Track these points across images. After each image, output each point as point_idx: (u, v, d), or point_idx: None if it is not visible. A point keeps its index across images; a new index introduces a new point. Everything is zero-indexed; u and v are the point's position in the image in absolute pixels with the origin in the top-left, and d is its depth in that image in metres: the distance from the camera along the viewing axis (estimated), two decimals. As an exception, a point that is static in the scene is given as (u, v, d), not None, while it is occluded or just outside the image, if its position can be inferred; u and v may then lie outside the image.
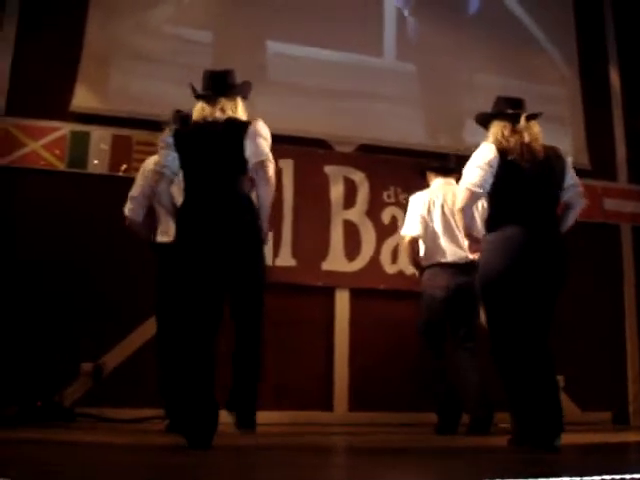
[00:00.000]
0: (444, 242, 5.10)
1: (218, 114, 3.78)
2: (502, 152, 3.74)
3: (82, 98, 5.86)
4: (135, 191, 4.75)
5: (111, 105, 5.92)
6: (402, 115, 6.57)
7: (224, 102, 3.81)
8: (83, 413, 5.26)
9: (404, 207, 6.13)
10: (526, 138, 3.78)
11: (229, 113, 3.79)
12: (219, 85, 3.88)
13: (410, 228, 5.23)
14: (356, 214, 6.27)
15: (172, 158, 3.79)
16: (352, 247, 6.20)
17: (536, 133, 3.83)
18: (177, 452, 3.31)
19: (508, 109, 3.89)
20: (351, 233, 6.22)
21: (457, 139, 6.73)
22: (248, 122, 3.78)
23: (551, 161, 3.80)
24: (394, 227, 6.24)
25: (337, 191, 6.26)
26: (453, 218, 5.05)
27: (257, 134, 3.73)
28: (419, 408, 5.69)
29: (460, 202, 3.87)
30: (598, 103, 7.24)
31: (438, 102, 6.89)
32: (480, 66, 6.95)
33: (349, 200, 6.29)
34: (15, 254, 5.49)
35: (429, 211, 5.17)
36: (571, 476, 2.17)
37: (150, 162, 4.56)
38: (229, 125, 3.76)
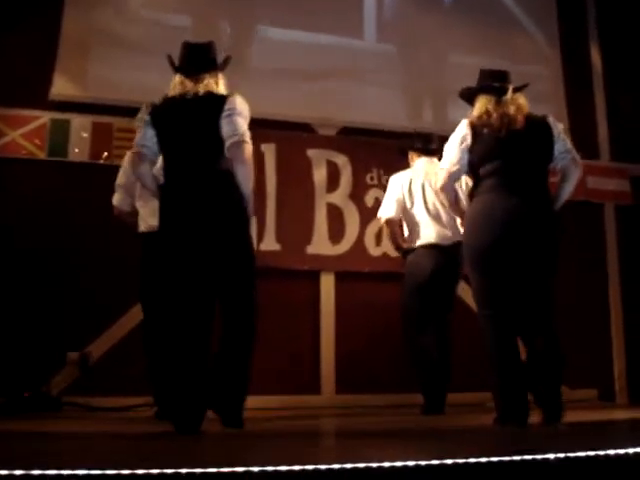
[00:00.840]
0: (427, 223, 5.10)
1: (199, 89, 3.66)
2: (478, 126, 3.76)
3: (61, 86, 5.80)
4: (120, 179, 4.71)
5: (91, 92, 5.88)
6: (384, 97, 6.55)
7: (206, 77, 3.70)
8: (70, 402, 5.25)
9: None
10: (511, 110, 3.77)
11: (210, 88, 3.67)
12: (200, 59, 3.76)
13: (386, 210, 5.26)
14: (339, 197, 6.27)
15: (150, 136, 3.66)
16: (336, 230, 6.20)
17: (521, 104, 3.83)
18: (165, 438, 3.31)
19: (494, 82, 3.88)
20: (335, 216, 6.22)
21: (440, 120, 6.73)
22: (225, 97, 3.65)
23: (535, 130, 3.79)
24: (378, 210, 6.22)
25: (320, 174, 6.25)
26: (437, 198, 5.02)
27: (233, 111, 3.59)
28: (405, 389, 5.70)
29: (439, 181, 3.91)
30: (580, 82, 7.25)
31: (420, 83, 6.88)
32: (461, 47, 6.93)
33: (332, 183, 6.28)
34: (-2, 245, 5.46)
35: (410, 192, 5.17)
36: (557, 453, 2.18)
37: None
38: (206, 100, 3.63)
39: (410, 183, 5.19)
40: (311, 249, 6.10)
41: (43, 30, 5.89)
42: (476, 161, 3.79)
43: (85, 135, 5.79)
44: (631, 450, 2.25)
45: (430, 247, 5.06)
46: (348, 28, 6.71)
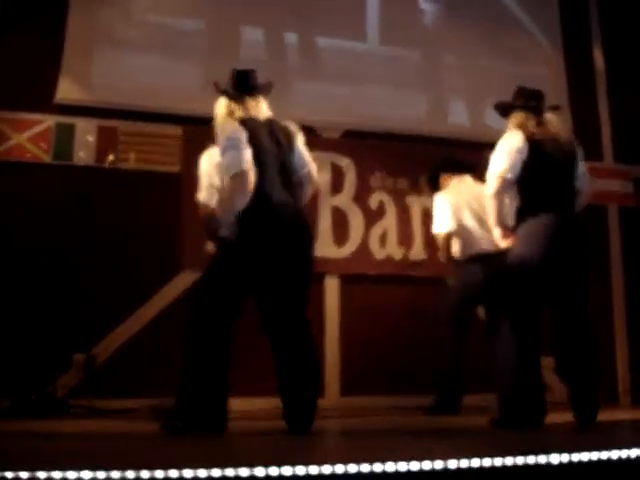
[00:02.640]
0: (479, 234, 5.17)
1: (257, 113, 3.81)
2: (532, 142, 3.87)
3: (66, 90, 5.82)
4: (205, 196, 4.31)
5: (95, 96, 5.89)
6: (387, 100, 6.55)
7: (248, 100, 3.83)
8: (76, 404, 5.26)
9: (391, 192, 6.18)
10: (551, 130, 3.95)
11: (261, 113, 3.83)
12: (256, 83, 3.93)
13: (441, 225, 5.31)
14: (343, 200, 6.27)
15: (249, 155, 3.60)
16: (340, 233, 6.20)
17: (558, 124, 4.02)
18: (170, 440, 3.33)
19: (530, 101, 4.03)
20: (339, 219, 6.23)
21: (442, 122, 6.74)
22: (293, 126, 3.93)
23: (571, 152, 3.99)
24: (382, 212, 6.25)
25: (324, 177, 6.23)
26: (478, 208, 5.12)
27: (303, 141, 3.96)
28: (410, 391, 5.72)
29: (491, 189, 3.95)
30: (583, 84, 7.24)
31: (422, 86, 6.88)
32: (464, 49, 6.93)
33: (336, 186, 6.28)
34: (4, 247, 5.46)
35: (457, 207, 5.26)
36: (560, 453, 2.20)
37: (210, 159, 4.19)
38: (282, 127, 3.86)
39: (455, 200, 5.27)
40: (315, 252, 6.09)
41: (48, 34, 5.90)
42: (530, 176, 3.88)
43: (90, 139, 5.81)
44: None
45: (483, 257, 5.10)
46: (351, 31, 6.72)
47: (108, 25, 6.07)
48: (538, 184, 3.88)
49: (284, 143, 3.80)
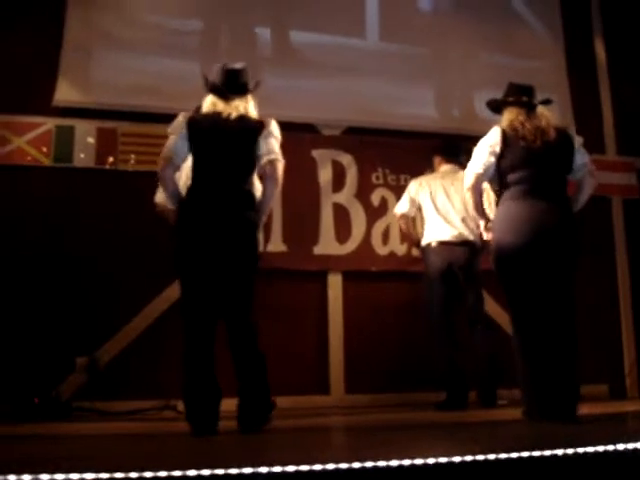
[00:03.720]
0: (440, 222, 5.40)
1: (231, 111, 3.83)
2: (514, 136, 3.95)
3: (65, 92, 5.81)
4: None
5: (95, 98, 5.87)
6: (388, 96, 6.52)
7: (237, 101, 3.87)
8: (80, 407, 5.25)
9: (393, 188, 6.18)
10: (542, 123, 3.99)
11: (241, 110, 3.85)
12: (233, 83, 3.92)
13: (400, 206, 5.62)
14: (345, 197, 6.26)
15: (182, 146, 3.81)
16: (343, 230, 6.19)
17: (549, 117, 4.05)
18: (173, 441, 3.32)
19: (522, 97, 4.09)
20: (341, 216, 6.21)
21: (444, 117, 6.73)
22: (262, 122, 3.88)
23: (561, 142, 3.99)
24: (384, 209, 6.24)
25: (325, 174, 6.24)
26: (450, 200, 5.42)
27: (270, 134, 3.86)
28: (415, 388, 5.72)
29: (467, 182, 4.09)
30: (584, 76, 7.22)
31: (424, 81, 6.86)
32: (464, 43, 6.92)
33: (338, 183, 6.27)
34: (6, 251, 5.46)
35: (430, 193, 5.50)
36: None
37: None
38: (244, 123, 3.84)
39: (428, 185, 5.51)
40: (318, 249, 6.10)
41: (46, 36, 5.89)
42: (505, 168, 3.95)
43: (90, 140, 5.80)
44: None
45: (441, 244, 5.35)
46: (350, 27, 6.70)
47: (106, 26, 6.05)
48: (514, 175, 3.92)
49: (242, 139, 3.82)
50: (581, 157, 4.05)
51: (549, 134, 3.95)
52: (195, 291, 3.70)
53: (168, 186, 3.87)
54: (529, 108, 4.05)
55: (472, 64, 6.93)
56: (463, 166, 5.33)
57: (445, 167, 5.64)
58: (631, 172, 7.09)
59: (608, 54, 7.34)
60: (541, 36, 7.24)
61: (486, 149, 3.99)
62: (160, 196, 4.81)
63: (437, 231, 5.38)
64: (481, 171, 3.99)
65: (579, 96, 7.11)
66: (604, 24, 7.43)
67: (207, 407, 3.57)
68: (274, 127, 3.90)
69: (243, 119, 3.83)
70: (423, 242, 5.47)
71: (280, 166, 3.86)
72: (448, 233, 5.34)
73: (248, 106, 3.90)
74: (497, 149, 3.96)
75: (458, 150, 5.63)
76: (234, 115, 3.81)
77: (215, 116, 3.84)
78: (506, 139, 3.96)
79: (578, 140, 4.07)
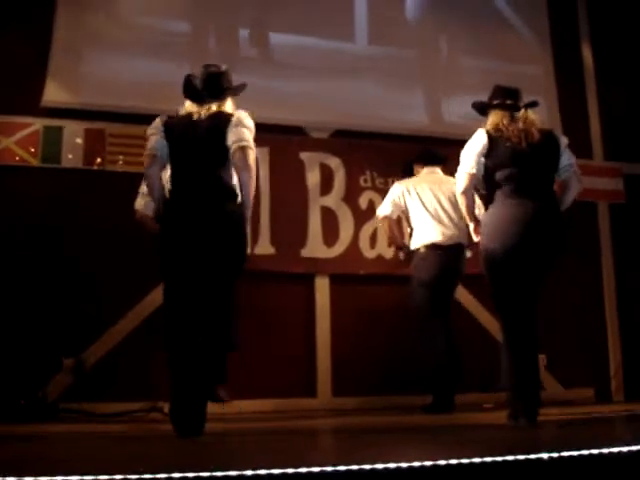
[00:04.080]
0: (430, 224, 5.39)
1: (203, 111, 3.87)
2: (499, 137, 4.01)
3: (53, 92, 5.80)
4: (144, 186, 4.74)
5: (83, 98, 5.86)
6: (376, 99, 6.54)
7: (212, 104, 3.88)
8: (67, 408, 5.23)
9: (381, 191, 6.19)
10: (526, 125, 4.05)
11: (213, 109, 3.87)
12: (211, 87, 3.93)
13: (383, 208, 5.61)
14: (333, 200, 6.27)
15: (162, 144, 3.85)
16: (330, 233, 6.20)
17: (533, 119, 4.12)
18: (158, 442, 3.32)
19: (507, 100, 4.14)
20: (329, 219, 6.22)
21: (433, 121, 6.76)
22: (231, 114, 3.87)
23: (546, 143, 4.05)
24: (372, 212, 6.23)
25: (313, 177, 6.25)
26: (440, 202, 5.43)
27: (239, 123, 3.81)
28: (402, 391, 5.72)
29: (459, 186, 4.13)
30: (571, 80, 7.25)
31: (412, 85, 6.88)
32: (452, 47, 6.97)
33: (326, 186, 6.28)
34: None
35: (414, 195, 5.48)
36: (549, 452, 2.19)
37: None
38: (214, 117, 3.85)
39: (415, 188, 5.49)
40: (305, 252, 6.10)
41: (34, 36, 5.87)
42: (492, 167, 4.01)
43: (79, 141, 5.78)
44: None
45: (433, 247, 5.34)
46: (339, 31, 6.72)
47: (95, 27, 6.04)
48: (501, 174, 3.98)
49: (213, 134, 3.82)
50: (567, 158, 4.11)
51: (533, 135, 4.01)
52: (179, 288, 3.74)
53: (154, 184, 3.87)
54: (514, 111, 4.10)
55: (460, 68, 6.95)
56: (443, 170, 5.56)
57: (425, 170, 5.64)
58: (618, 177, 7.12)
59: (595, 59, 7.38)
60: (529, 41, 7.27)
61: (473, 150, 4.04)
62: (140, 202, 4.87)
63: (428, 233, 5.36)
64: (473, 171, 4.03)
65: (566, 101, 7.14)
66: (591, 29, 7.46)
67: (191, 408, 3.54)
68: (244, 116, 3.86)
69: (214, 115, 3.85)
70: (413, 246, 5.46)
71: (251, 153, 3.79)
72: (440, 234, 5.33)
73: (224, 106, 3.91)
74: (483, 150, 4.01)
75: (436, 157, 5.67)
76: (204, 114, 3.85)
77: (187, 117, 3.88)
78: (491, 140, 4.01)
79: (563, 141, 4.13)
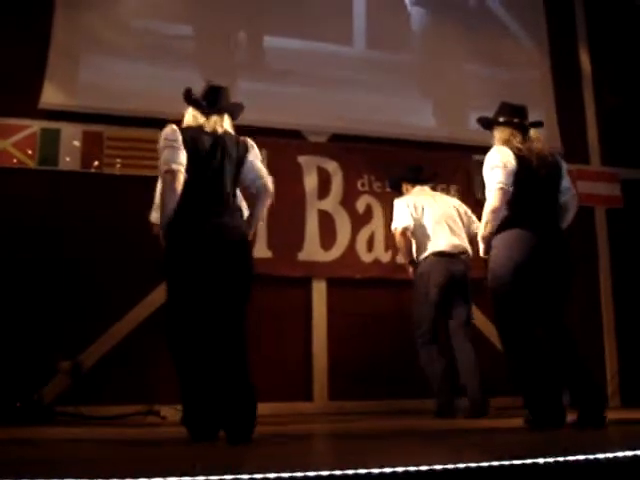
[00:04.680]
0: (437, 234, 5.40)
1: (215, 127, 3.81)
2: (519, 157, 3.97)
3: (51, 95, 5.80)
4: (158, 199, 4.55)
5: (81, 101, 5.87)
6: (374, 103, 6.55)
7: (215, 117, 3.83)
8: (63, 411, 5.22)
9: (378, 195, 6.19)
10: (537, 146, 4.05)
11: (224, 126, 3.85)
12: (214, 100, 3.90)
13: (399, 221, 5.48)
14: (331, 204, 6.27)
15: (184, 157, 3.64)
16: (328, 237, 6.20)
17: (542, 141, 4.13)
18: (155, 446, 3.31)
19: (514, 117, 4.14)
20: (326, 223, 6.22)
21: (429, 126, 6.76)
22: (248, 141, 3.89)
23: (553, 166, 4.07)
24: (369, 216, 6.25)
25: (311, 181, 6.25)
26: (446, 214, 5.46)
27: (257, 155, 3.91)
28: (399, 395, 5.72)
29: (494, 202, 3.97)
30: (569, 85, 7.27)
31: (409, 90, 6.89)
32: (451, 53, 6.97)
33: (323, 190, 6.28)
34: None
35: (417, 209, 5.46)
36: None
37: None
38: (234, 141, 3.82)
39: (414, 202, 5.47)
40: (302, 256, 6.11)
41: (33, 38, 5.88)
42: (514, 189, 3.96)
43: (76, 144, 5.79)
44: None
45: (440, 255, 5.33)
46: (337, 35, 6.73)
47: (93, 30, 6.05)
48: (522, 199, 3.96)
49: (234, 156, 3.78)
50: (567, 181, 4.15)
51: (547, 159, 4.03)
52: (191, 301, 3.62)
53: (175, 202, 3.64)
54: (522, 129, 4.10)
55: (458, 74, 6.96)
56: (431, 187, 5.64)
57: (416, 189, 5.63)
58: (615, 183, 7.13)
59: (593, 65, 7.39)
60: (526, 46, 7.29)
61: (504, 166, 3.94)
62: (155, 216, 4.69)
63: (437, 243, 5.35)
64: (507, 187, 3.93)
65: (564, 107, 7.15)
66: (589, 34, 7.48)
67: (206, 413, 3.56)
68: (257, 148, 3.95)
69: (232, 136, 3.83)
70: (421, 256, 5.40)
71: (272, 186, 3.92)
72: (448, 244, 5.34)
73: (225, 122, 3.88)
74: (513, 168, 3.93)
75: (420, 174, 5.68)
76: (220, 130, 3.80)
77: (200, 130, 3.78)
78: (518, 160, 3.95)
79: (564, 165, 4.17)
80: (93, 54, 6.01)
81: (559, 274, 3.97)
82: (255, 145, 3.93)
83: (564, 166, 4.17)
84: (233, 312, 3.67)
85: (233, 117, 3.96)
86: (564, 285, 4.03)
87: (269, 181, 3.89)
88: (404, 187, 5.71)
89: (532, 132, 4.13)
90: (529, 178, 3.95)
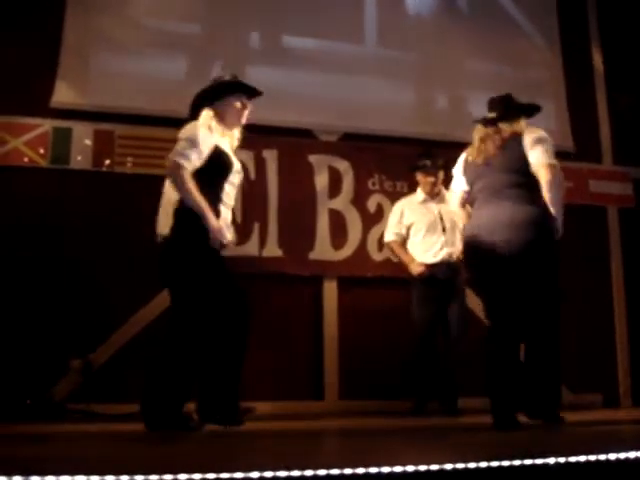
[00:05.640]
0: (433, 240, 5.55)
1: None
2: (467, 160, 4.16)
3: (62, 94, 5.82)
4: None
5: (92, 100, 5.88)
6: (385, 103, 6.54)
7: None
8: (73, 409, 5.24)
9: (389, 194, 6.19)
10: (491, 140, 4.04)
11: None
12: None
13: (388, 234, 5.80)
14: (341, 203, 6.27)
15: (196, 159, 3.75)
16: (338, 236, 6.20)
17: (502, 130, 4.03)
18: (165, 444, 3.31)
19: (489, 113, 4.15)
20: (337, 222, 6.22)
21: (441, 124, 6.73)
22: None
23: (508, 149, 3.97)
24: (380, 215, 6.24)
25: (322, 180, 6.25)
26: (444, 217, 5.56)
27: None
28: (409, 394, 5.70)
29: (451, 203, 4.38)
30: (581, 84, 7.24)
31: (421, 88, 6.88)
32: (462, 51, 6.95)
33: (334, 189, 6.28)
34: (1, 252, 5.45)
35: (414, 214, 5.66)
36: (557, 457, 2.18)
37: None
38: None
39: (408, 209, 5.66)
40: (313, 255, 6.10)
41: (44, 38, 5.89)
42: (468, 184, 4.15)
43: (88, 142, 5.79)
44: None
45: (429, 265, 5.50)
46: (348, 34, 6.72)
47: (104, 28, 6.06)
48: (472, 189, 4.11)
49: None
50: (533, 155, 3.88)
51: (488, 150, 4.01)
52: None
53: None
54: (489, 125, 4.09)
55: (470, 72, 6.95)
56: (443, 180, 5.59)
57: (428, 179, 5.64)
58: (627, 182, 7.10)
59: (605, 63, 7.36)
60: (539, 45, 7.26)
61: (458, 170, 4.23)
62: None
63: (430, 248, 5.50)
64: (457, 191, 4.24)
65: (576, 106, 7.13)
66: (601, 33, 7.45)
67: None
68: None
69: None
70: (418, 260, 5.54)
71: None
72: (441, 249, 5.47)
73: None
74: (461, 169, 4.20)
75: (431, 159, 5.65)
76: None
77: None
78: (465, 160, 4.17)
79: (528, 139, 3.93)
80: (104, 53, 6.02)
81: (522, 256, 3.78)
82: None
83: (528, 139, 3.91)
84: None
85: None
86: (531, 269, 3.80)
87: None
88: (418, 175, 5.73)
89: (499, 125, 4.05)
90: (471, 171, 4.10)
